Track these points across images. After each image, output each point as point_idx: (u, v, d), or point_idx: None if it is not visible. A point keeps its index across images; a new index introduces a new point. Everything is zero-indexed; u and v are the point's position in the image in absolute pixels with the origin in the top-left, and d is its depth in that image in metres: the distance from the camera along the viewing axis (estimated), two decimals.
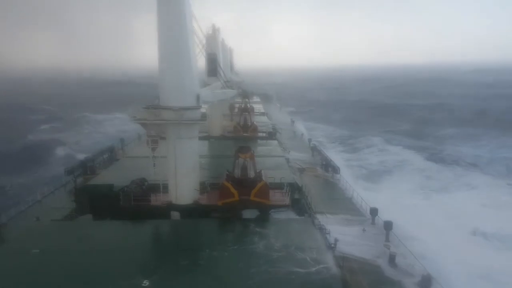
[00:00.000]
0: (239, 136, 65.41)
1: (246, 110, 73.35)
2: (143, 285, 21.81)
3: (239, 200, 32.66)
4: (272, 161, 47.41)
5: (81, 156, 58.20)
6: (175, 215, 33.42)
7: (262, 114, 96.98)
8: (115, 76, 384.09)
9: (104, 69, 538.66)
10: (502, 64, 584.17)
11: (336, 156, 67.79)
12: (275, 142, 63.36)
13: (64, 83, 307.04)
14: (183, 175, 33.18)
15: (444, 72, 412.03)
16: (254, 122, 72.19)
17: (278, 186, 36.57)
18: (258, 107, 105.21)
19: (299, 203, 35.58)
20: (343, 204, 37.89)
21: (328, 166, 49.58)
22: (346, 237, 29.35)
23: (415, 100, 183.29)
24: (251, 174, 34.63)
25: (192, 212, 33.04)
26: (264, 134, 69.23)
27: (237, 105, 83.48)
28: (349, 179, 46.74)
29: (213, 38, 64.02)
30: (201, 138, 42.16)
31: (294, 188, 37.16)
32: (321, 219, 32.13)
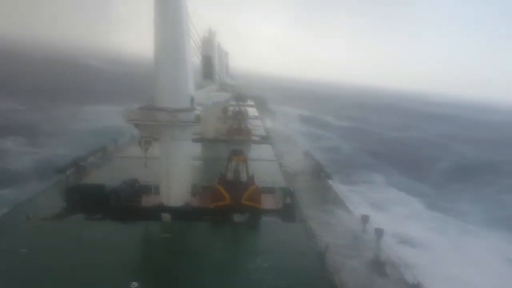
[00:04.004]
0: (233, 139, 65.43)
1: (240, 114, 73.54)
2: (131, 286, 21.65)
3: (231, 204, 32.62)
4: (265, 165, 47.43)
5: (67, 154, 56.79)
6: (166, 216, 33.27)
7: (256, 117, 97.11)
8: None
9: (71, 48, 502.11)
10: None
11: None
12: (268, 146, 63.48)
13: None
14: (175, 176, 33.08)
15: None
16: (248, 126, 72.33)
17: (270, 190, 36.59)
18: (252, 110, 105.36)
19: (290, 208, 35.60)
20: (335, 210, 37.95)
21: (321, 171, 49.68)
22: (336, 243, 29.44)
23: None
24: (244, 177, 34.62)
25: (183, 214, 32.92)
26: (257, 138, 69.37)
27: (231, 108, 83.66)
28: (341, 186, 46.89)
29: (209, 41, 64.10)
30: (194, 140, 42.16)
31: (286, 192, 37.17)
32: (312, 224, 32.18)
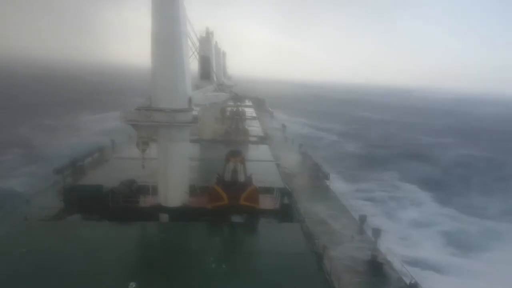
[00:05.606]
0: (230, 139, 65.44)
1: (238, 114, 73.57)
2: (129, 287, 21.66)
3: (229, 204, 32.63)
4: (263, 166, 47.44)
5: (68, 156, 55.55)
6: (164, 217, 33.29)
7: (254, 118, 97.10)
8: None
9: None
10: None
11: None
12: (266, 146, 63.53)
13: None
14: (173, 177, 33.09)
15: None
16: (245, 126, 72.36)
17: (268, 191, 36.62)
18: (249, 111, 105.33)
19: (288, 208, 35.65)
20: (332, 210, 38.02)
21: (318, 171, 49.75)
22: (334, 243, 29.51)
23: None
24: (242, 178, 34.63)
25: (181, 214, 32.93)
26: (255, 139, 69.40)
27: (228, 109, 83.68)
28: (338, 185, 46.98)
29: (206, 41, 64.09)
30: (192, 141, 42.11)
31: (284, 193, 37.22)
32: (309, 225, 32.22)
